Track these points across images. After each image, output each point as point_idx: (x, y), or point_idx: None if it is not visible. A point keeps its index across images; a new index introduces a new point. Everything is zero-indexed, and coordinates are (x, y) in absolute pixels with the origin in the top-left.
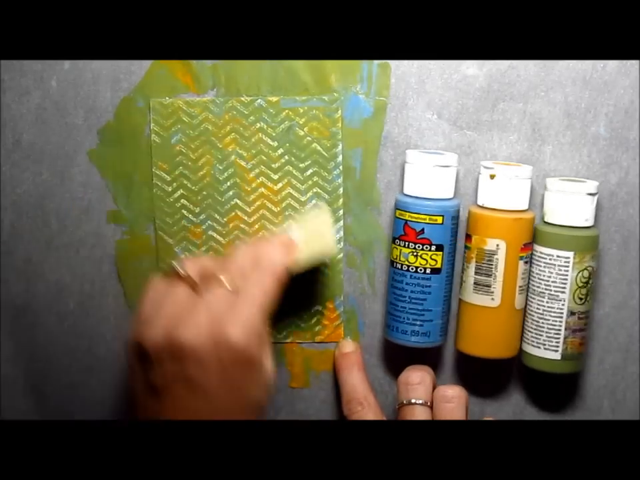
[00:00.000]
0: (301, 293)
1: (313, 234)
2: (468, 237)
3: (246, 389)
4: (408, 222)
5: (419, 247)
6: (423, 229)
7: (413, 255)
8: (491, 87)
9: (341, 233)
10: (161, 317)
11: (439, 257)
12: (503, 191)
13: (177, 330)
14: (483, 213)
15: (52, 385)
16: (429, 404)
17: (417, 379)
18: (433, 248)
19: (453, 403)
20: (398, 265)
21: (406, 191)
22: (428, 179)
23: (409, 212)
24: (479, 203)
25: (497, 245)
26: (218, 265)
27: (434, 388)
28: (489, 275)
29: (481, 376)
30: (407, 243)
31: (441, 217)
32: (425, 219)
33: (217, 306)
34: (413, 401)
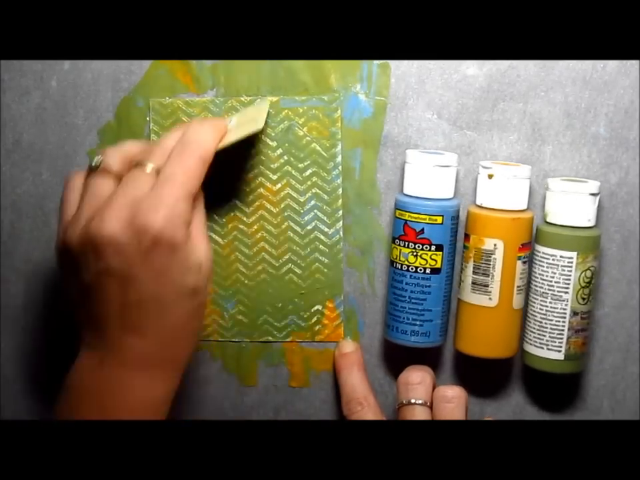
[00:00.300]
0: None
1: (246, 119)
2: (466, 236)
3: (173, 272)
4: (408, 222)
5: (418, 246)
6: (422, 229)
7: (412, 254)
8: (491, 87)
9: (341, 233)
10: (81, 214)
11: (438, 256)
12: (501, 190)
13: (94, 222)
14: (481, 212)
15: (52, 384)
16: (428, 404)
17: (417, 379)
18: (433, 248)
19: (453, 403)
20: (398, 264)
21: (406, 191)
22: (428, 178)
23: (408, 212)
24: (477, 202)
25: (495, 245)
26: (143, 149)
27: (434, 388)
28: (487, 275)
29: (480, 376)
30: (406, 243)
31: (441, 217)
32: (424, 219)
33: (136, 191)
34: (413, 400)
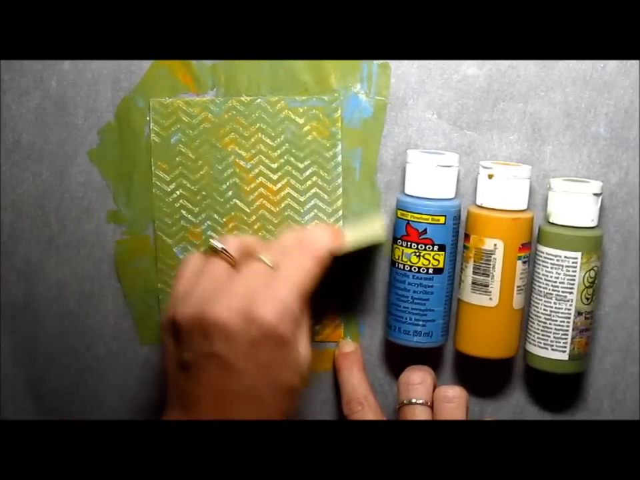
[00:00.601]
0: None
1: (362, 227)
2: (466, 236)
3: (276, 369)
4: (410, 222)
5: (421, 247)
6: (425, 229)
7: (415, 255)
8: (491, 87)
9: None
10: (195, 294)
11: (441, 257)
12: (501, 190)
13: (208, 305)
14: (481, 212)
15: (52, 384)
16: (429, 404)
17: (417, 379)
18: (436, 248)
19: (454, 403)
20: (400, 265)
21: (407, 191)
22: (430, 179)
23: (410, 212)
24: (478, 202)
25: (495, 245)
26: (260, 242)
27: (434, 388)
28: (487, 275)
29: (480, 376)
30: (409, 243)
31: (443, 217)
32: (427, 219)
33: (252, 282)
34: (414, 400)
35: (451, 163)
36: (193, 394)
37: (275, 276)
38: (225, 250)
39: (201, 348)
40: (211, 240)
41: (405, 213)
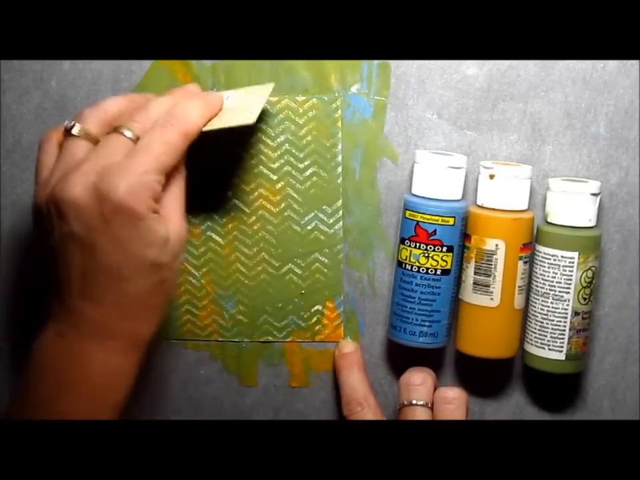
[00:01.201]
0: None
1: (243, 102)
2: (467, 236)
3: (133, 245)
4: (420, 223)
5: (430, 248)
6: (435, 230)
7: (423, 256)
8: (491, 87)
9: (341, 233)
10: (53, 176)
11: (449, 258)
12: (502, 190)
13: (60, 185)
14: (482, 212)
15: None
16: (429, 405)
17: (418, 380)
18: (444, 249)
19: (454, 404)
20: (408, 266)
21: (416, 192)
22: (440, 180)
23: (420, 213)
24: (479, 202)
25: (496, 245)
26: (126, 111)
27: (434, 390)
28: (488, 275)
29: (481, 376)
30: (418, 244)
31: (453, 218)
32: (437, 220)
33: (108, 157)
34: (414, 401)
35: (460, 165)
36: (61, 277)
37: (133, 149)
38: (78, 126)
39: (59, 229)
40: (67, 121)
41: (414, 213)
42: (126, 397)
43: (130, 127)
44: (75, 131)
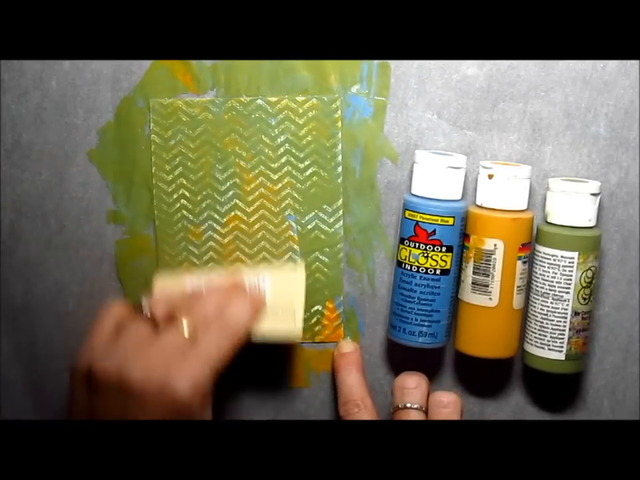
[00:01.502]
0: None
1: (281, 297)
2: (466, 236)
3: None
4: (419, 223)
5: (429, 248)
6: (434, 230)
7: (423, 256)
8: (491, 87)
9: (341, 233)
10: (116, 350)
11: (448, 258)
12: (501, 190)
13: (128, 366)
14: (481, 212)
15: (52, 385)
16: (424, 409)
17: (413, 384)
18: (444, 249)
19: (449, 408)
20: (407, 265)
21: (416, 192)
22: (440, 180)
23: (420, 213)
24: (478, 202)
25: (495, 245)
26: (185, 305)
27: (428, 394)
28: (487, 275)
29: (480, 376)
30: (417, 244)
31: (452, 218)
32: (436, 220)
33: (171, 351)
34: (409, 405)
35: (459, 165)
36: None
37: (193, 350)
38: (150, 314)
39: (115, 405)
40: (142, 299)
41: (414, 213)
42: None
43: (187, 321)
44: (146, 313)
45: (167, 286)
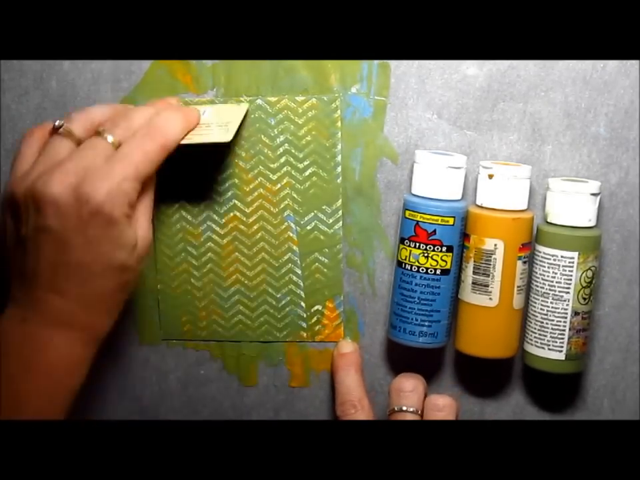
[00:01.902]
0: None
1: (220, 118)
2: (466, 236)
3: (105, 246)
4: (419, 223)
5: (430, 248)
6: (434, 230)
7: (423, 255)
8: (491, 87)
9: (341, 233)
10: (33, 170)
11: (449, 258)
12: (501, 190)
13: (42, 180)
14: (481, 212)
15: None
16: (420, 412)
17: (410, 387)
18: (444, 249)
19: (444, 411)
20: (407, 265)
21: (416, 192)
22: (440, 180)
23: (420, 213)
24: (478, 202)
25: (495, 245)
26: (109, 118)
27: (425, 397)
28: (487, 275)
29: (480, 376)
30: (417, 244)
31: (453, 218)
32: (437, 220)
33: (90, 160)
34: (405, 408)
35: (460, 165)
36: (30, 268)
37: (115, 155)
38: (64, 126)
39: (35, 222)
40: (56, 119)
41: (414, 213)
42: (81, 385)
43: (112, 132)
44: (60, 130)
45: None
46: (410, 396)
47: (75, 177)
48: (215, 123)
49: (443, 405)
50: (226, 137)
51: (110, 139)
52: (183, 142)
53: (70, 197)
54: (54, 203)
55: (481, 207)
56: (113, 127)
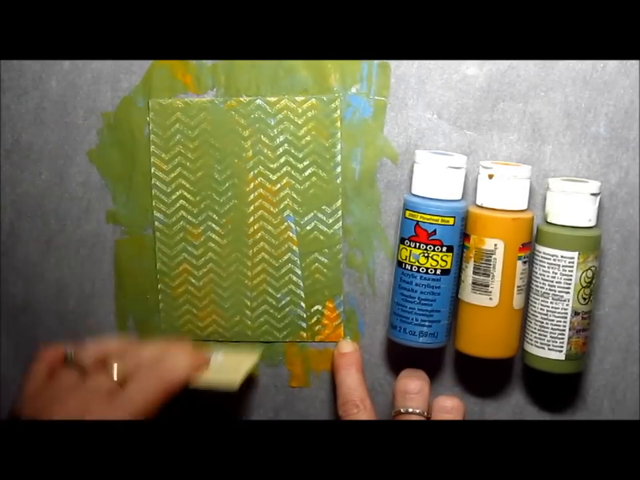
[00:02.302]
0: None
1: (231, 364)
2: (466, 236)
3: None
4: (419, 223)
5: (430, 248)
6: (435, 230)
7: (423, 256)
8: (491, 87)
9: (341, 233)
10: (41, 396)
11: (449, 258)
12: (502, 190)
13: (50, 412)
14: (481, 212)
15: None
16: (425, 414)
17: (415, 388)
18: (444, 249)
19: (452, 414)
20: (407, 265)
21: (416, 192)
22: (440, 180)
23: (420, 213)
24: (478, 202)
25: (495, 245)
26: (118, 352)
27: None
28: (487, 275)
29: (480, 376)
30: (417, 244)
31: (453, 218)
32: (437, 220)
33: (94, 395)
34: (410, 410)
35: (460, 165)
36: None
37: (117, 395)
38: (74, 358)
39: None
40: (67, 348)
41: (414, 213)
42: None
43: (119, 368)
44: (70, 359)
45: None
46: (416, 398)
47: (76, 411)
48: (224, 368)
49: (452, 407)
50: (232, 385)
51: (115, 374)
52: (190, 385)
53: None
54: None
55: (481, 206)
56: (122, 360)
